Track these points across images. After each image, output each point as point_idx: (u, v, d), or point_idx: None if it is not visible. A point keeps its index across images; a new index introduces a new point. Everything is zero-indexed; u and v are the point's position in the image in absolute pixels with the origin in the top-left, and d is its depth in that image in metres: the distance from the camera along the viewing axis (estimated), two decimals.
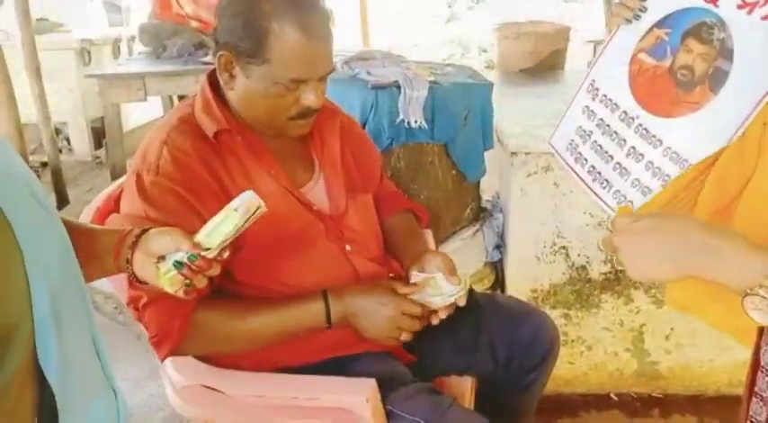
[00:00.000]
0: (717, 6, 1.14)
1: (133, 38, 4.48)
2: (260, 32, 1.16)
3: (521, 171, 1.95)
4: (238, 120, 1.27)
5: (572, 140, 1.39)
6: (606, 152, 1.31)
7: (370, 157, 1.52)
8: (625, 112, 1.28)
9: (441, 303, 1.26)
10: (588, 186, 1.35)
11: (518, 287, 2.03)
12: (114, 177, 3.46)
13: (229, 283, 1.25)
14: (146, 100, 3.68)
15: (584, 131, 1.36)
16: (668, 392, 2.13)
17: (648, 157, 1.23)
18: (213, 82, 1.29)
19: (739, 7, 1.11)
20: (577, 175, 1.38)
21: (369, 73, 1.88)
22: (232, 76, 1.23)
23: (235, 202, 0.99)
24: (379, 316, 1.23)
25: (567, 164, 1.40)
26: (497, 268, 2.17)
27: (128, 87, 3.58)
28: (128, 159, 3.61)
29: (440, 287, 1.26)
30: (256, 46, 1.17)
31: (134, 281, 1.00)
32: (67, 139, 4.47)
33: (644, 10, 1.27)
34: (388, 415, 1.22)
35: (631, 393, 2.14)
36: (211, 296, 1.20)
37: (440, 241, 1.97)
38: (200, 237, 0.97)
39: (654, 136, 1.23)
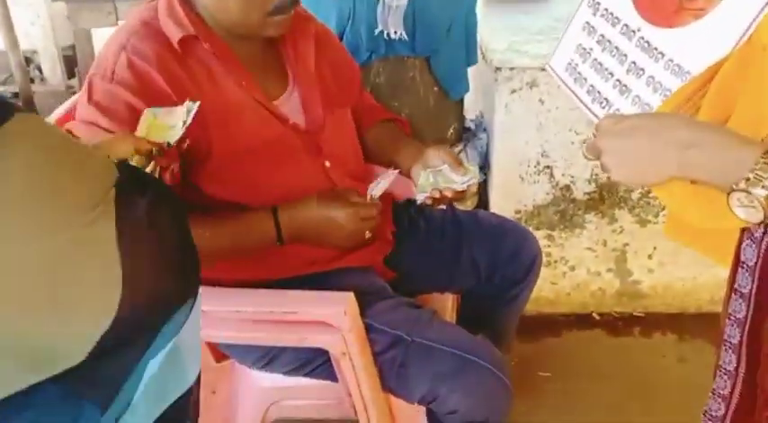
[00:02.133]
0: None
1: None
2: None
3: (505, 87, 1.88)
4: (206, 25, 1.19)
5: (571, 60, 1.34)
6: (606, 70, 1.26)
7: (347, 68, 1.45)
8: (626, 25, 1.23)
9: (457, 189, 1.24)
10: (587, 108, 1.30)
11: (502, 208, 2.00)
12: None
13: (197, 198, 1.20)
14: (117, 24, 3.52)
15: (584, 49, 1.31)
16: (649, 311, 2.14)
17: (649, 72, 1.18)
18: None
19: None
20: (577, 96, 1.33)
21: None
22: None
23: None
24: (333, 230, 1.20)
25: (566, 85, 1.35)
26: (481, 189, 2.13)
27: (98, 11, 3.43)
28: None
29: (449, 178, 1.23)
30: None
31: None
32: (39, 69, 4.31)
33: None
34: (367, 328, 1.20)
35: (613, 313, 2.15)
36: None
37: None
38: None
39: (655, 49, 1.18)
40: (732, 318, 0.86)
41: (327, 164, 1.29)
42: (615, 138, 0.78)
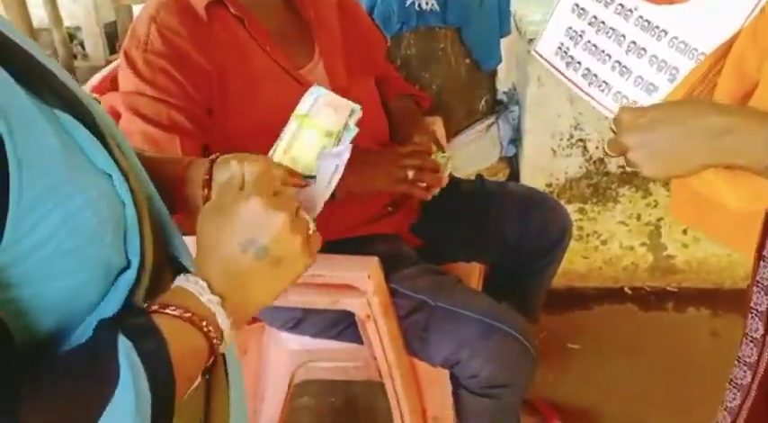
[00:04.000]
0: None
1: None
2: None
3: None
4: None
5: (561, 43, 1.27)
6: (603, 51, 1.21)
7: (372, 36, 1.46)
8: (621, 4, 1.18)
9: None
10: (585, 91, 1.25)
11: (533, 181, 1.99)
12: None
13: None
14: None
15: (576, 32, 1.25)
16: (683, 286, 2.12)
17: (652, 51, 1.13)
18: None
19: None
20: (571, 80, 1.27)
21: None
22: None
23: (305, 105, 0.82)
24: (377, 168, 1.25)
25: (557, 70, 1.29)
26: (512, 162, 2.13)
27: None
28: None
29: None
30: None
31: None
32: (81, 45, 4.41)
33: None
34: (392, 292, 1.22)
35: (645, 287, 2.13)
36: None
37: (453, 134, 1.92)
38: (278, 155, 0.78)
39: (657, 27, 1.13)
40: (760, 285, 0.85)
41: None
42: (640, 132, 0.75)
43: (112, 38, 4.28)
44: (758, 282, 0.88)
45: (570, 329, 1.98)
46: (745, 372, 0.91)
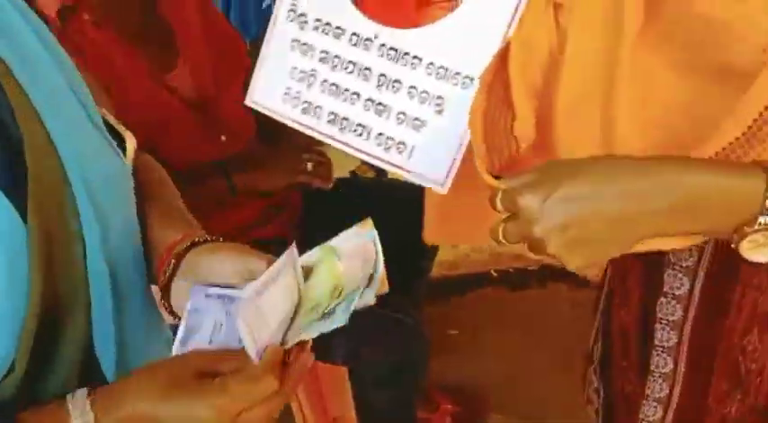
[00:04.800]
0: None
1: None
2: None
3: None
4: None
5: (288, 88, 1.06)
6: (347, 90, 1.02)
7: (234, 43, 1.44)
8: (356, 33, 1.01)
9: None
10: (337, 140, 1.05)
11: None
12: None
13: None
14: None
15: (305, 72, 1.04)
16: (543, 264, 2.30)
17: (408, 82, 0.98)
18: None
19: None
20: (314, 129, 1.06)
21: None
22: None
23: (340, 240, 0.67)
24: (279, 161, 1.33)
25: (291, 120, 1.08)
26: None
27: None
28: None
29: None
30: None
31: (167, 310, 0.69)
32: None
33: None
34: None
35: (510, 269, 2.28)
36: None
37: None
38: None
39: (407, 54, 0.98)
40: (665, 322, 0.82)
41: (223, 138, 1.29)
42: (553, 219, 0.58)
43: None
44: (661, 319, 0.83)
45: (447, 316, 2.07)
46: (665, 359, 0.86)
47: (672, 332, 0.81)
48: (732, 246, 0.58)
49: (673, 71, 0.68)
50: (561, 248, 0.59)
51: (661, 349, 0.82)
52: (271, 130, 1.41)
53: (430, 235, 1.05)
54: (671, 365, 0.82)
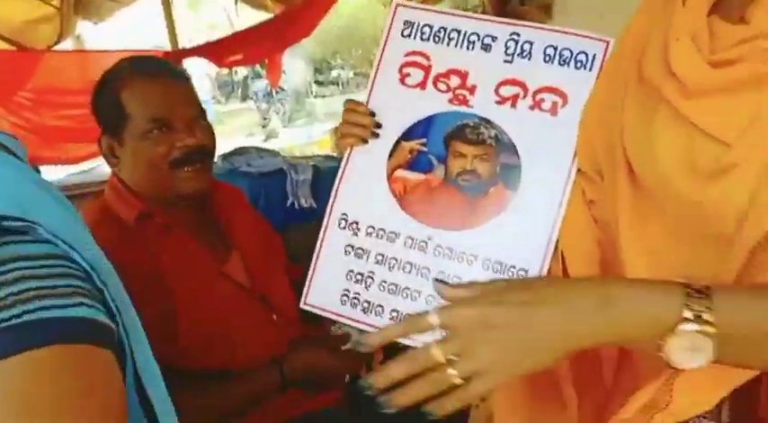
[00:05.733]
0: (471, 107, 1.06)
1: None
2: (114, 98, 1.28)
3: None
4: (145, 199, 1.32)
5: (346, 290, 1.10)
6: (408, 288, 1.07)
7: (272, 236, 1.62)
8: (411, 237, 1.07)
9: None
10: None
11: None
12: None
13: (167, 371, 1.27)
14: None
15: (361, 275, 1.09)
16: None
17: (467, 277, 1.03)
18: (118, 177, 1.35)
19: (499, 103, 1.05)
20: (378, 328, 1.02)
21: (249, 164, 2.01)
22: (116, 158, 1.32)
23: None
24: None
25: (352, 320, 1.10)
26: None
27: None
28: None
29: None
30: (117, 111, 1.27)
31: None
32: None
33: (380, 125, 1.11)
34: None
35: None
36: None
37: None
38: None
39: (464, 252, 1.04)
40: None
41: (275, 317, 1.41)
42: (483, 309, 0.64)
43: None
44: None
45: None
46: None
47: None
48: (659, 354, 0.61)
49: (670, 238, 0.78)
50: (479, 353, 0.62)
51: None
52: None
53: None
54: None
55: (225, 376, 1.30)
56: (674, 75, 0.74)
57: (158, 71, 1.31)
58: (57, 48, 4.17)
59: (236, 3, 4.61)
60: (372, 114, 1.10)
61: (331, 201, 1.11)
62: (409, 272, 1.06)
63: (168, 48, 4.27)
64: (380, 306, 1.07)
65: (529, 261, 1.00)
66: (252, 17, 4.56)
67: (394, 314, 1.07)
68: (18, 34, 4.07)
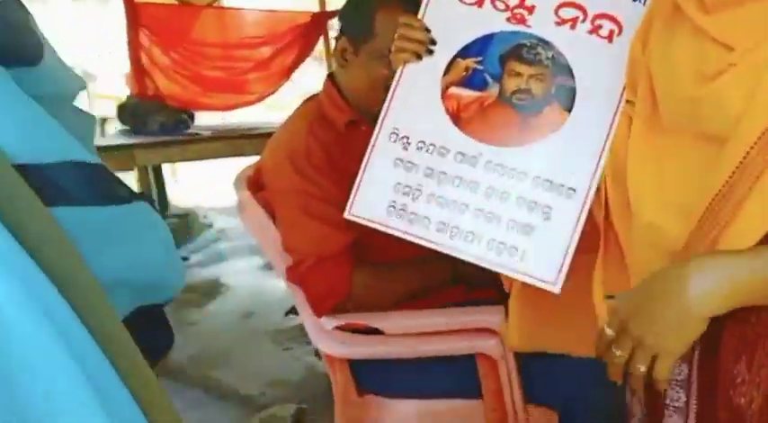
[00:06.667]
0: (529, 27, 1.07)
1: (104, 120, 4.69)
2: (369, 13, 1.39)
3: None
4: (355, 111, 1.45)
5: (393, 201, 1.12)
6: (455, 201, 1.08)
7: None
8: (461, 153, 1.09)
9: None
10: (446, 245, 1.09)
11: None
12: None
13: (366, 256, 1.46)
14: (133, 170, 3.92)
15: (409, 187, 1.11)
16: None
17: (516, 193, 1.06)
18: (333, 82, 1.50)
19: (558, 24, 1.06)
20: (423, 238, 1.10)
21: None
22: (345, 60, 1.45)
23: None
24: None
25: (397, 230, 1.12)
26: None
27: (117, 158, 3.80)
28: None
29: None
30: (367, 25, 1.39)
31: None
32: None
33: (435, 42, 1.12)
34: None
35: None
36: (358, 264, 1.44)
37: None
38: None
39: (514, 169, 1.06)
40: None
41: None
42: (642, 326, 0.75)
43: None
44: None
45: None
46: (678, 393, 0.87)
47: (683, 365, 0.84)
48: None
49: (675, 142, 0.83)
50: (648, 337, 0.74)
51: (674, 382, 0.84)
52: None
53: (513, 341, 1.17)
54: (684, 399, 0.84)
55: (403, 264, 1.45)
56: None
57: (414, 4, 1.37)
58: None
59: None
60: (427, 30, 1.11)
61: (382, 115, 1.13)
62: (458, 186, 1.08)
63: (317, 8, 4.55)
64: (427, 218, 1.09)
65: (577, 181, 1.02)
66: None
67: (441, 226, 1.08)
68: None
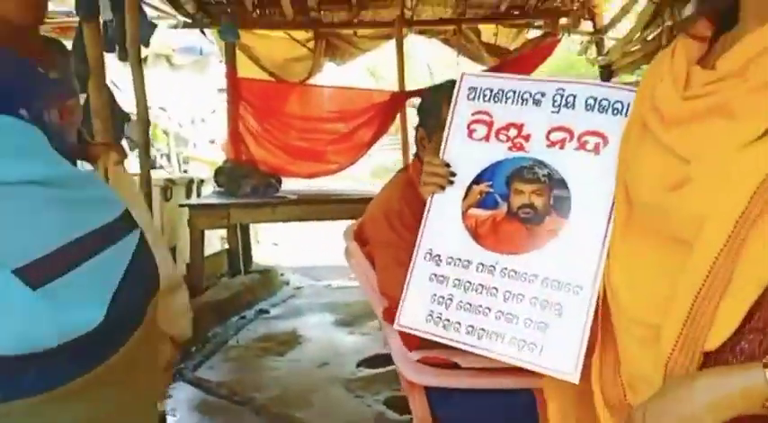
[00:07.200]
0: (527, 152, 1.25)
1: (202, 181, 5.13)
2: (437, 106, 1.64)
3: None
4: None
5: (431, 311, 1.29)
6: (480, 306, 1.24)
7: None
8: (481, 263, 1.26)
9: None
10: (475, 346, 1.24)
11: None
12: (195, 295, 3.84)
13: None
14: (227, 227, 4.26)
15: (443, 297, 1.29)
16: None
17: (530, 294, 1.20)
18: (419, 158, 1.77)
19: (549, 147, 1.23)
20: (455, 340, 1.26)
21: None
22: (424, 147, 1.74)
23: None
24: None
25: (435, 335, 1.29)
26: None
27: (214, 216, 4.21)
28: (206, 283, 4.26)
29: None
30: (436, 117, 1.62)
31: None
32: None
33: (454, 174, 1.32)
34: None
35: None
36: None
37: None
38: None
39: (525, 273, 1.21)
40: None
41: None
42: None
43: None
44: None
45: None
46: None
47: None
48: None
49: (647, 243, 0.92)
50: None
51: None
52: None
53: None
54: None
55: None
56: (657, 109, 0.91)
57: None
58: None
59: (457, 55, 5.32)
60: (447, 165, 1.33)
61: (419, 239, 1.34)
62: (480, 293, 1.24)
63: (396, 88, 5.04)
64: (458, 323, 1.26)
65: (582, 278, 1.15)
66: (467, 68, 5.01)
67: (470, 329, 1.24)
68: (279, 69, 5.22)
